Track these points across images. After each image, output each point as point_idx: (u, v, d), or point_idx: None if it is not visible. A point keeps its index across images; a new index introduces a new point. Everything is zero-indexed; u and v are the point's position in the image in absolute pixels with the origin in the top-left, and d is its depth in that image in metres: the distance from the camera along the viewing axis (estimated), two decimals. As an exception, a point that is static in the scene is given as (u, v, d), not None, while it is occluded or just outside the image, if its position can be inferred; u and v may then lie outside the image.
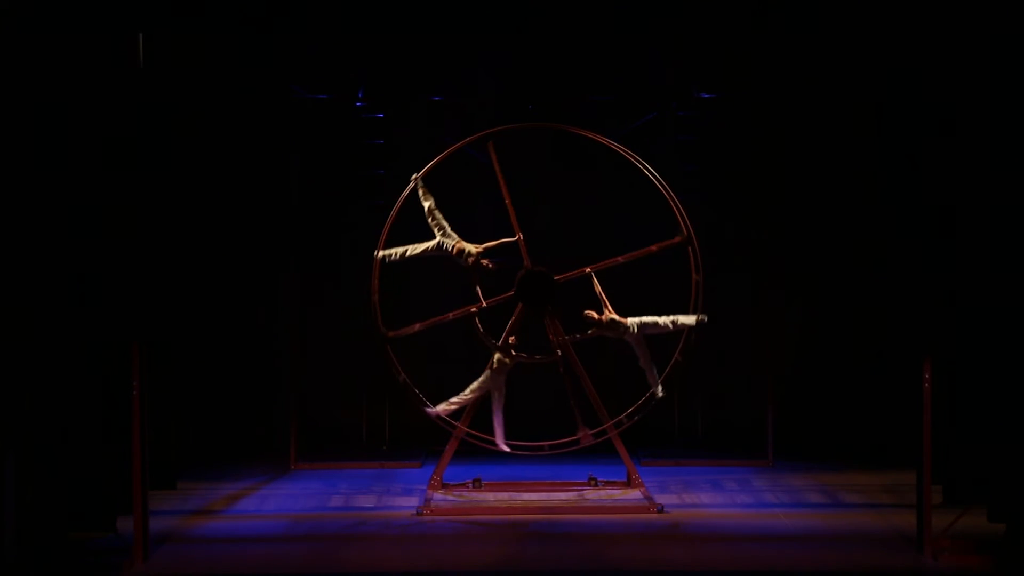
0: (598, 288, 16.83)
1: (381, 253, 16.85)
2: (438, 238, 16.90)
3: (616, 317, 16.80)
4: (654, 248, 17.12)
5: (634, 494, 16.92)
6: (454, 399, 16.87)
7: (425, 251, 16.93)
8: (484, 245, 16.88)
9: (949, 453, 15.02)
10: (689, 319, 16.73)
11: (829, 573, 13.56)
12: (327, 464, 19.22)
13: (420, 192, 16.78)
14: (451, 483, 17.27)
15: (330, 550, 14.37)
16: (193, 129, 19.82)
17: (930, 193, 14.45)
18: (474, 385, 16.87)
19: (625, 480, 17.36)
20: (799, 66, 19.94)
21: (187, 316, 20.00)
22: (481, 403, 17.16)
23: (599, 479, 17.44)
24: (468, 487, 17.22)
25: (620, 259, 17.06)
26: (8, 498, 13.05)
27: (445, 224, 16.88)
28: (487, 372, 16.83)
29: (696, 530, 15.26)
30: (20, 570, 13.15)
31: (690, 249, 16.88)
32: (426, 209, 16.80)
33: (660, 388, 16.81)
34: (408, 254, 16.88)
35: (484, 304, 16.90)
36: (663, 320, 16.77)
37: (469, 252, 16.83)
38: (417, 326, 17.02)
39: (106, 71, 14.41)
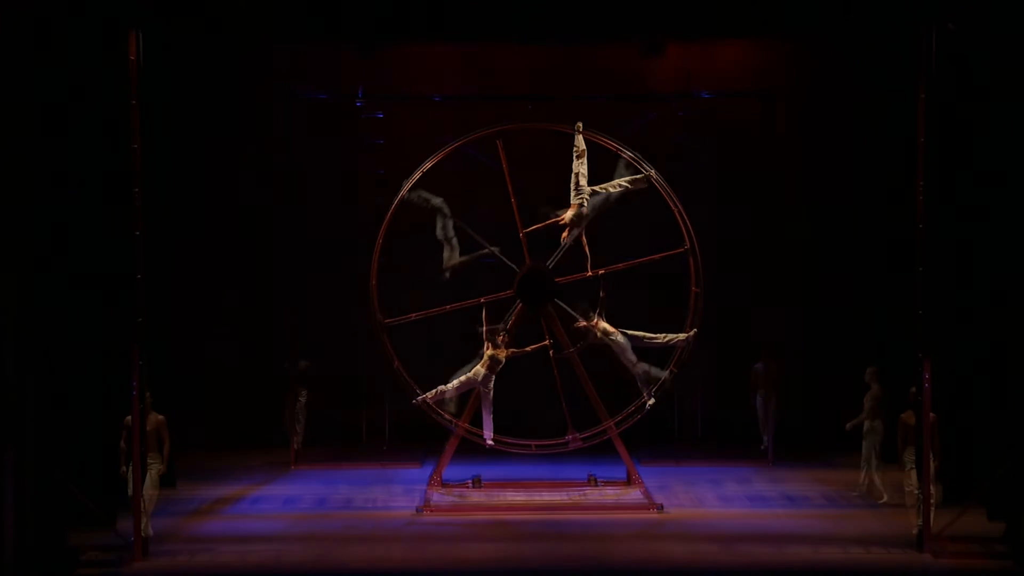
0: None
1: (420, 396, 16.81)
2: (471, 375, 16.82)
3: (607, 326, 16.84)
4: (657, 257, 17.13)
5: (634, 493, 16.92)
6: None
7: (465, 383, 16.84)
8: (485, 337, 16.79)
9: (949, 453, 15.03)
10: (680, 337, 16.81)
11: (829, 572, 13.56)
12: (327, 464, 19.23)
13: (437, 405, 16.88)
14: (451, 482, 17.27)
15: (330, 549, 14.37)
16: (193, 130, 19.91)
17: (929, 197, 14.42)
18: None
19: (625, 479, 17.36)
20: (804, 65, 20.09)
21: (187, 316, 20.08)
22: (478, 400, 17.22)
23: (599, 478, 17.44)
24: (468, 486, 17.22)
25: (621, 265, 17.08)
26: (8, 497, 13.05)
27: (463, 378, 16.77)
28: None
29: (696, 529, 15.26)
30: (20, 568, 13.15)
31: (691, 259, 16.90)
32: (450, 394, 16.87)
33: (650, 396, 16.87)
34: (450, 392, 16.83)
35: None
36: (652, 335, 16.84)
37: (498, 359, 16.76)
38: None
39: (110, 75, 14.48)
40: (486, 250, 17.02)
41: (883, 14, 14.62)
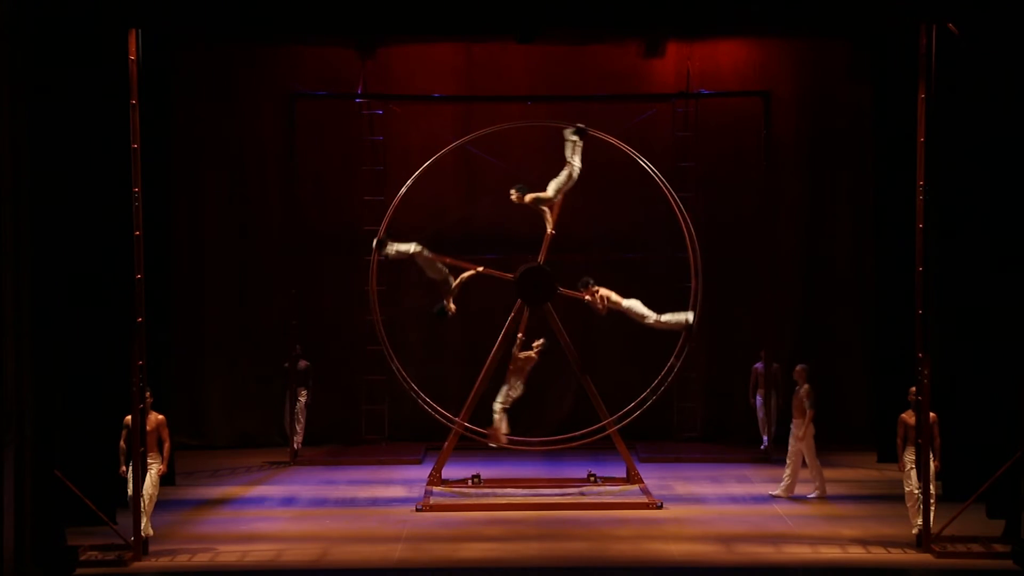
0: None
1: (496, 436, 16.88)
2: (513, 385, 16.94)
3: (609, 293, 16.90)
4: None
5: (633, 490, 16.94)
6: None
7: (513, 392, 16.95)
8: (521, 348, 16.93)
9: (949, 451, 15.04)
10: (676, 319, 16.84)
11: (828, 571, 13.58)
12: (327, 461, 19.25)
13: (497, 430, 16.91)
14: (450, 479, 17.28)
15: (330, 548, 14.38)
16: (193, 129, 19.87)
17: (929, 197, 14.41)
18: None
19: (624, 476, 17.37)
20: (804, 65, 20.07)
21: (187, 316, 20.05)
22: (480, 401, 17.28)
23: (598, 475, 17.45)
24: (468, 484, 17.22)
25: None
26: (7, 496, 13.06)
27: (510, 391, 16.91)
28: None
29: (695, 525, 15.29)
30: (20, 568, 13.16)
31: (691, 256, 16.96)
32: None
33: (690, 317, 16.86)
34: (509, 400, 16.91)
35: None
36: (644, 314, 16.90)
37: (530, 356, 16.88)
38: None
39: (110, 75, 14.50)
40: (472, 272, 16.97)
41: (883, 14, 14.61)
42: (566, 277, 17.33)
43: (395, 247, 16.68)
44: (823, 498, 16.62)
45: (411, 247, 16.63)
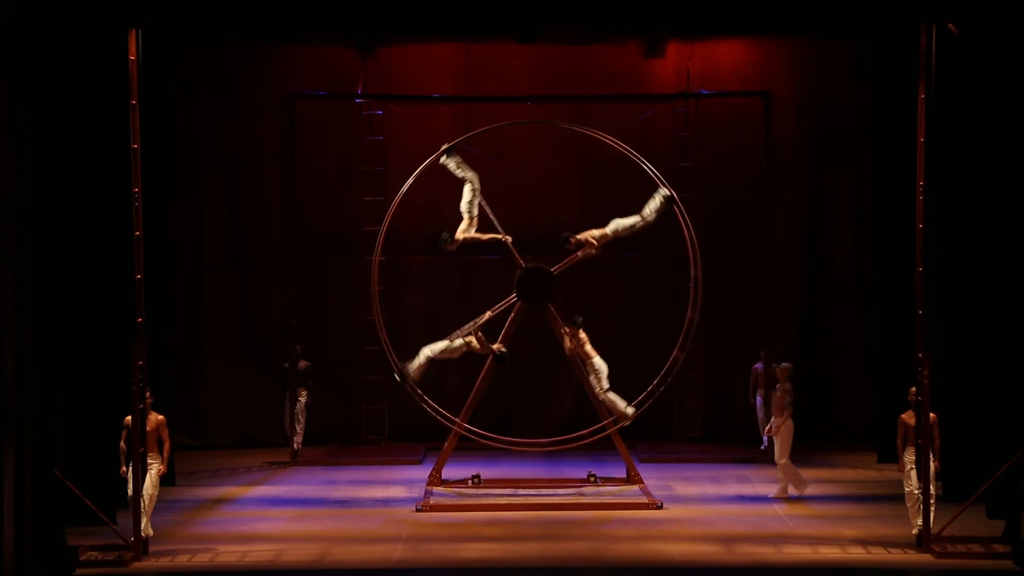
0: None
1: (620, 414, 16.87)
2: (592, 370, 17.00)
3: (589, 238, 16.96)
4: None
5: (633, 490, 16.94)
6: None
7: (599, 373, 16.97)
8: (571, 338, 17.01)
9: (949, 451, 15.03)
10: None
11: (828, 571, 13.58)
12: (327, 461, 19.24)
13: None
14: (450, 479, 17.28)
15: (330, 546, 14.39)
16: (192, 129, 19.85)
17: (929, 197, 14.41)
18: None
19: (624, 476, 17.37)
20: (804, 65, 20.07)
21: (187, 316, 20.05)
22: (480, 401, 17.28)
23: (598, 476, 17.45)
24: (467, 484, 17.22)
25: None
26: (7, 496, 13.05)
27: (596, 375, 16.94)
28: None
29: (695, 527, 15.27)
30: (20, 568, 13.16)
31: (691, 255, 16.95)
32: None
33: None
34: (602, 378, 16.92)
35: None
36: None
37: (579, 341, 16.92)
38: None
39: (110, 75, 14.50)
40: (501, 236, 16.95)
41: (883, 14, 14.62)
42: (566, 277, 17.34)
43: (412, 367, 16.85)
44: (803, 496, 16.59)
45: (423, 355, 16.87)
